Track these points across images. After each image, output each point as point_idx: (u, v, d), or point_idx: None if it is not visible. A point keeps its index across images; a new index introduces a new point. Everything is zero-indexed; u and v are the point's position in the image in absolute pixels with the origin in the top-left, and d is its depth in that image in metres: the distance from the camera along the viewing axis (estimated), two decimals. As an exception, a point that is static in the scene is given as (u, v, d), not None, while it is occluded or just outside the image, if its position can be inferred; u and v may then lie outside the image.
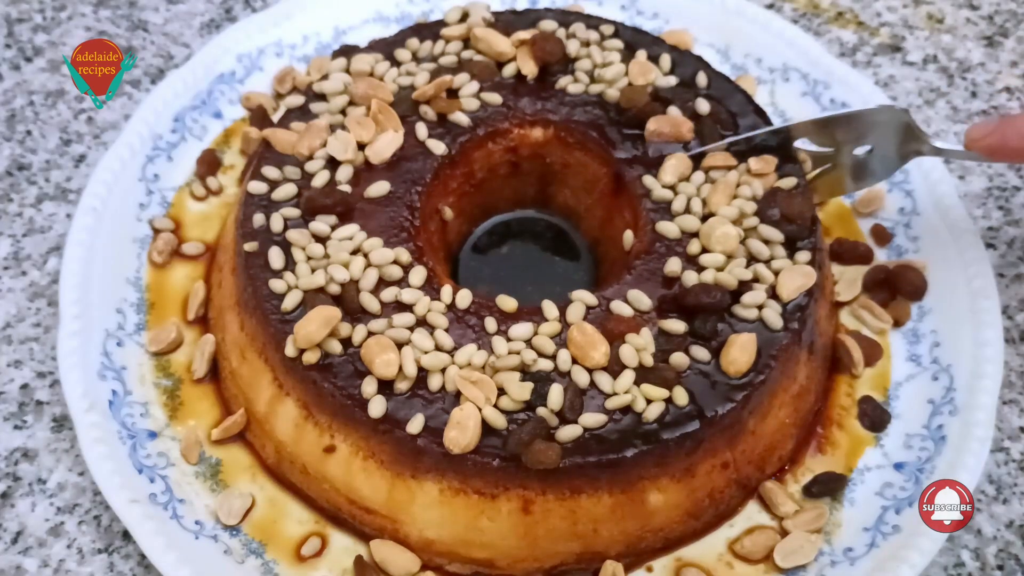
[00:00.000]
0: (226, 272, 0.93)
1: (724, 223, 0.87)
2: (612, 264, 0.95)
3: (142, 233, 1.00)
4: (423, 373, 0.80)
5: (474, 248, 1.01)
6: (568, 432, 0.77)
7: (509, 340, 0.82)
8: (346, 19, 1.16)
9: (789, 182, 0.92)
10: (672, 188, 0.92)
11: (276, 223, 0.89)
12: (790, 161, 0.94)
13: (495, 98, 0.98)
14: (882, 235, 1.01)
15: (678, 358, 0.81)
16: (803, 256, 0.87)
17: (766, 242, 0.88)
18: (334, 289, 0.84)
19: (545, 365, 0.80)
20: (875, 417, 0.90)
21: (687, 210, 0.90)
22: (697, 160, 0.94)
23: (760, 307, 0.84)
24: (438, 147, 0.95)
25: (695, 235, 0.88)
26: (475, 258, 1.01)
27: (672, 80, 1.00)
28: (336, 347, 0.81)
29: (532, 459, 0.75)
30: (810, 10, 1.28)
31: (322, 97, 0.99)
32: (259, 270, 0.87)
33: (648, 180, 0.93)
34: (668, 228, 0.89)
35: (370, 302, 0.83)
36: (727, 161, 0.93)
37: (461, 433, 0.76)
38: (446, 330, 0.82)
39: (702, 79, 1.00)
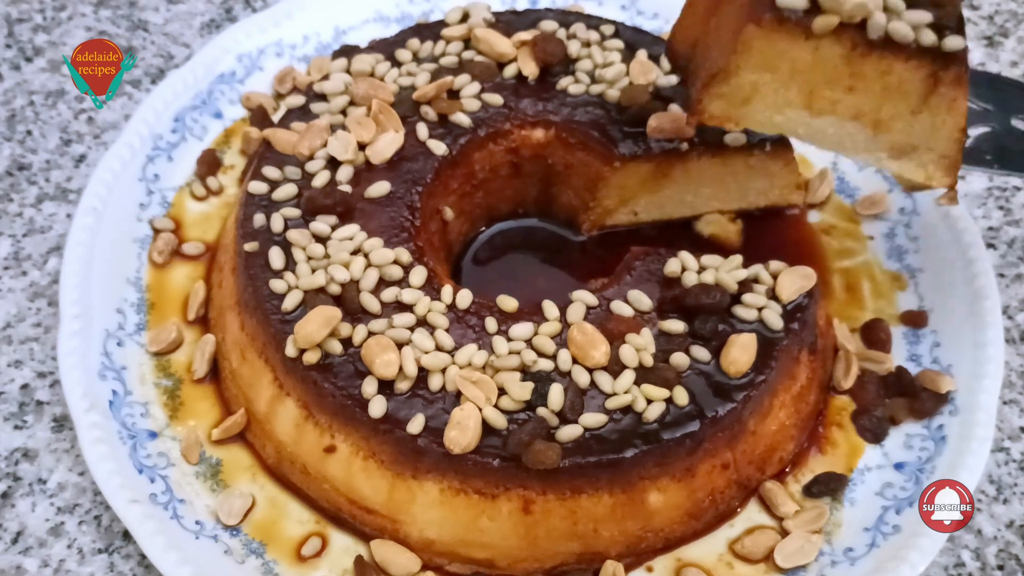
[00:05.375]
0: (226, 272, 0.93)
1: None
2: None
3: (142, 233, 1.00)
4: (423, 373, 0.80)
5: (475, 260, 1.02)
6: (568, 432, 0.77)
7: (509, 340, 0.82)
8: (346, 19, 1.16)
9: None
10: None
11: (276, 223, 0.89)
12: None
13: (496, 99, 0.98)
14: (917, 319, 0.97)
15: (678, 358, 0.81)
16: (955, 43, 0.77)
17: None
18: (334, 289, 0.84)
19: (545, 365, 0.80)
20: (874, 428, 0.90)
21: None
22: None
23: (760, 308, 0.84)
24: (439, 147, 0.95)
25: None
26: (476, 270, 1.01)
27: (673, 79, 1.00)
28: (336, 347, 0.81)
29: (532, 459, 0.75)
30: (810, 10, 1.28)
31: (323, 97, 0.99)
32: (259, 270, 0.87)
33: None
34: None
35: (370, 302, 0.83)
36: None
37: (461, 433, 0.76)
38: (446, 330, 0.82)
39: (702, 79, 1.00)
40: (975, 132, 0.86)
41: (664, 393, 0.79)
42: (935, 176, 0.82)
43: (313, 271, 0.85)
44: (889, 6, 0.78)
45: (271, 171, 0.93)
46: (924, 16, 0.77)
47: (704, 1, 0.88)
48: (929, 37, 0.77)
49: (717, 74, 0.81)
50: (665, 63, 1.01)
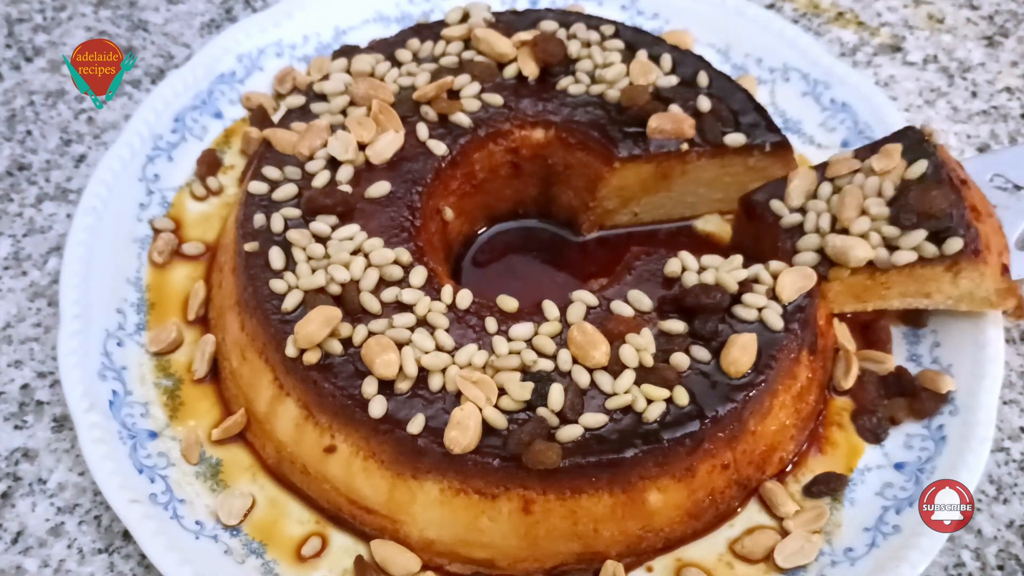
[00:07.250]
0: (226, 272, 0.93)
1: (859, 245, 0.86)
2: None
3: (142, 233, 1.00)
4: (424, 373, 0.80)
5: (475, 261, 1.02)
6: (568, 432, 0.77)
7: (510, 340, 0.82)
8: (346, 19, 1.16)
9: (919, 168, 0.89)
10: (801, 209, 0.91)
11: (276, 223, 0.89)
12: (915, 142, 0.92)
13: (496, 99, 0.98)
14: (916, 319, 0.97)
15: (678, 358, 0.81)
16: (954, 245, 0.86)
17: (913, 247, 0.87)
18: (334, 289, 0.84)
19: (546, 365, 0.80)
20: (874, 428, 0.90)
21: (818, 230, 0.89)
22: (820, 170, 0.93)
23: (760, 308, 0.84)
24: (439, 147, 0.95)
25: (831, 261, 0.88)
26: (476, 270, 1.01)
27: (673, 80, 1.00)
28: (336, 347, 0.81)
29: (532, 459, 0.75)
30: (810, 10, 1.28)
31: (323, 97, 0.99)
32: (259, 270, 0.87)
33: (776, 205, 0.91)
34: (807, 258, 0.89)
35: (370, 302, 0.83)
36: (850, 166, 0.91)
37: (462, 433, 0.76)
38: (447, 330, 0.82)
39: (703, 78, 1.00)
40: None
41: (664, 393, 0.79)
42: (998, 303, 0.89)
43: (313, 271, 0.85)
44: (887, 237, 0.86)
45: (271, 171, 0.93)
46: (919, 235, 0.86)
47: None
48: (931, 250, 0.86)
49: None
50: (665, 63, 1.01)
